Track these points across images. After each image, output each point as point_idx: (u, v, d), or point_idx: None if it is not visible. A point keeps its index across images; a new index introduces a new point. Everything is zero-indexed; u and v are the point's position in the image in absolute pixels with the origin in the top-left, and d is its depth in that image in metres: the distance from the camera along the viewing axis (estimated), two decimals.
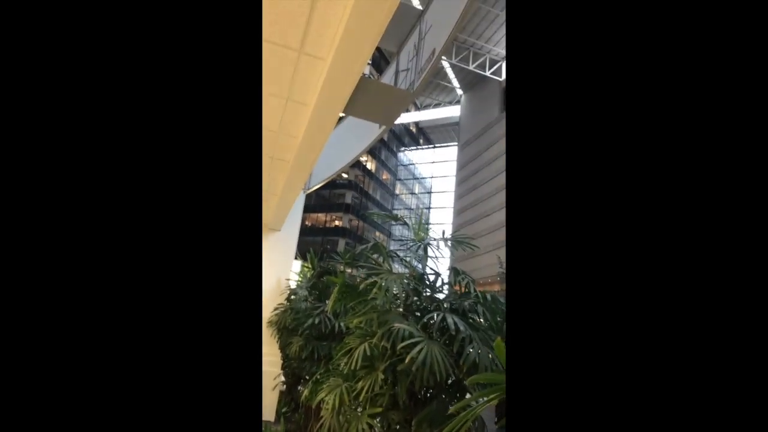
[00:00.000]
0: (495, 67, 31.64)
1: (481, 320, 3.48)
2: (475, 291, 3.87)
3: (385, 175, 38.53)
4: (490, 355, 2.71)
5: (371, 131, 6.52)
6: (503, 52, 30.99)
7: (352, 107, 3.85)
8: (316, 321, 5.08)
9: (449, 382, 2.91)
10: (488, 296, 3.66)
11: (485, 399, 1.68)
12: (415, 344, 2.67)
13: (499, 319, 3.17)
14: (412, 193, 42.95)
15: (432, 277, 4.00)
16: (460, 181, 33.09)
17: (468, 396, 2.82)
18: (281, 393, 6.36)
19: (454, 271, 4.14)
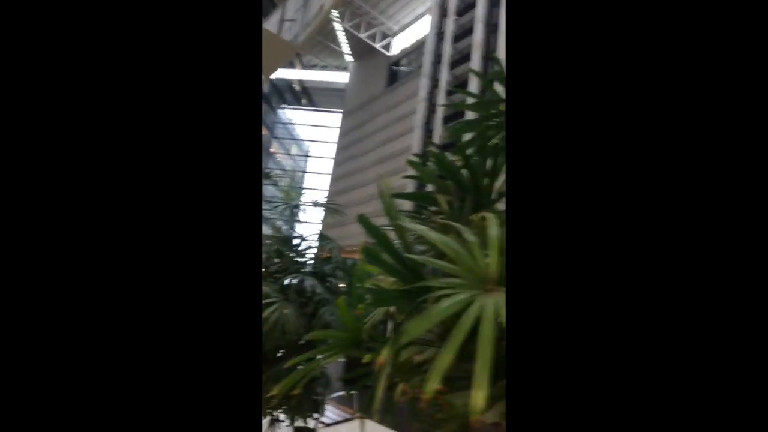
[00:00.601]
0: (386, 41, 31.90)
1: (341, 284, 3.60)
2: (338, 256, 3.95)
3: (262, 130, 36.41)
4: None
5: None
6: (395, 27, 31.37)
7: None
8: None
9: (302, 342, 2.97)
10: (349, 262, 3.78)
11: (324, 355, 1.76)
12: (269, 305, 2.64)
13: (357, 284, 3.31)
14: (289, 154, 41.47)
15: (297, 241, 3.96)
16: (341, 148, 33.09)
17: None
18: None
19: (321, 236, 4.15)
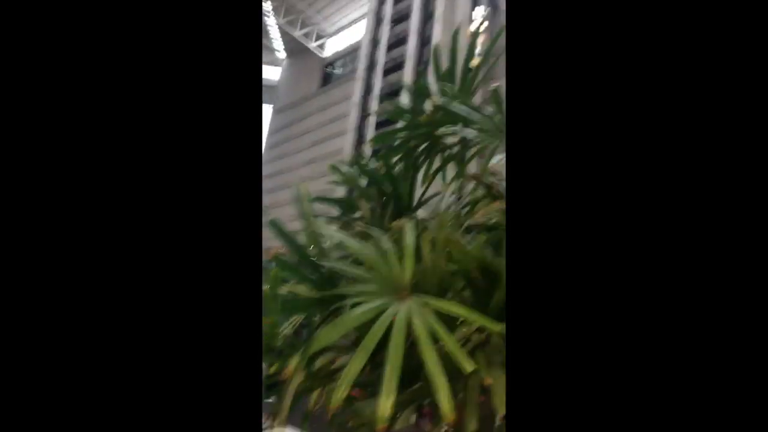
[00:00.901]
0: (320, 42, 31.57)
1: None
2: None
3: None
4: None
5: None
6: (331, 29, 31.20)
7: None
8: None
9: None
10: (271, 265, 3.66)
11: None
12: None
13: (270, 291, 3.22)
14: None
15: None
16: (270, 146, 32.08)
17: None
18: None
19: None
